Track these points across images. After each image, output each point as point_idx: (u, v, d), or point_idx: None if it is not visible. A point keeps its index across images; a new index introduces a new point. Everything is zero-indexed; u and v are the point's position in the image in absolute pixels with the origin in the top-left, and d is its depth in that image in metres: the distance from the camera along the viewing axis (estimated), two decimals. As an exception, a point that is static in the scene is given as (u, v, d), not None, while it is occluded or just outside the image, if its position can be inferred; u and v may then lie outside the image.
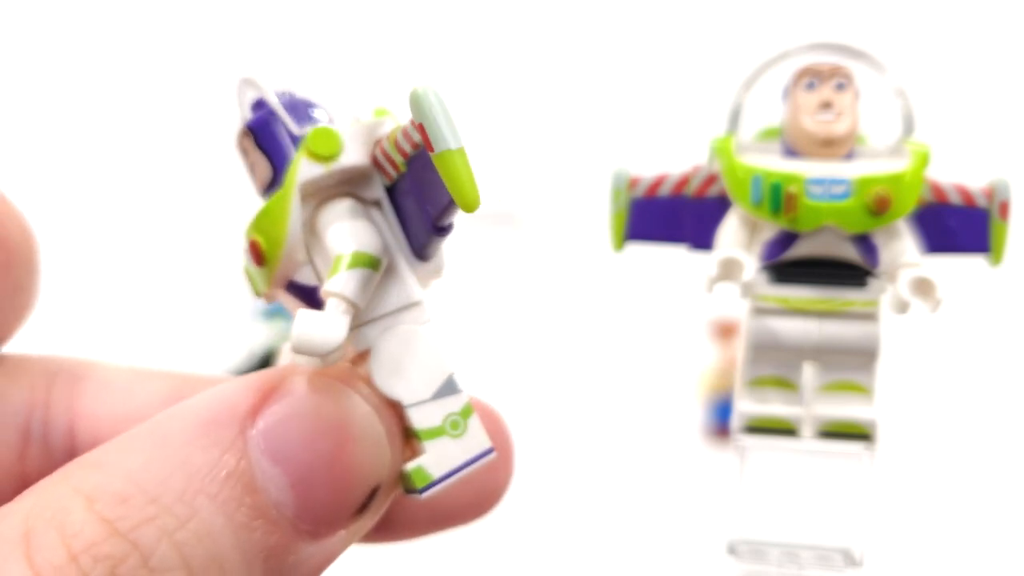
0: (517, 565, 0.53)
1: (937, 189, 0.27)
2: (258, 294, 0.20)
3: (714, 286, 0.26)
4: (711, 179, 0.27)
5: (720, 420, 0.63)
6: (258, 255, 0.19)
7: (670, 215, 0.28)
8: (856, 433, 0.27)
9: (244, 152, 0.21)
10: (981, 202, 0.27)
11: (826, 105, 0.26)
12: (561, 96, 0.88)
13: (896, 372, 0.34)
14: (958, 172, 0.27)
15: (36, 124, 0.90)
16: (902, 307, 0.25)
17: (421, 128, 0.17)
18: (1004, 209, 0.27)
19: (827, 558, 0.28)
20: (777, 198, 0.25)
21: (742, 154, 0.27)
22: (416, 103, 0.17)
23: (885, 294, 0.26)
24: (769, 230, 0.26)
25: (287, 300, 0.20)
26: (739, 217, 0.26)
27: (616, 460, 0.63)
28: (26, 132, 0.89)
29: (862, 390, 0.27)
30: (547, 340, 0.73)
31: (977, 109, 0.80)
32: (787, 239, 0.26)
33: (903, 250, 0.26)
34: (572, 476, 0.61)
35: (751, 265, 0.26)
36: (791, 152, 0.26)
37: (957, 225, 0.27)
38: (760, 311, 0.27)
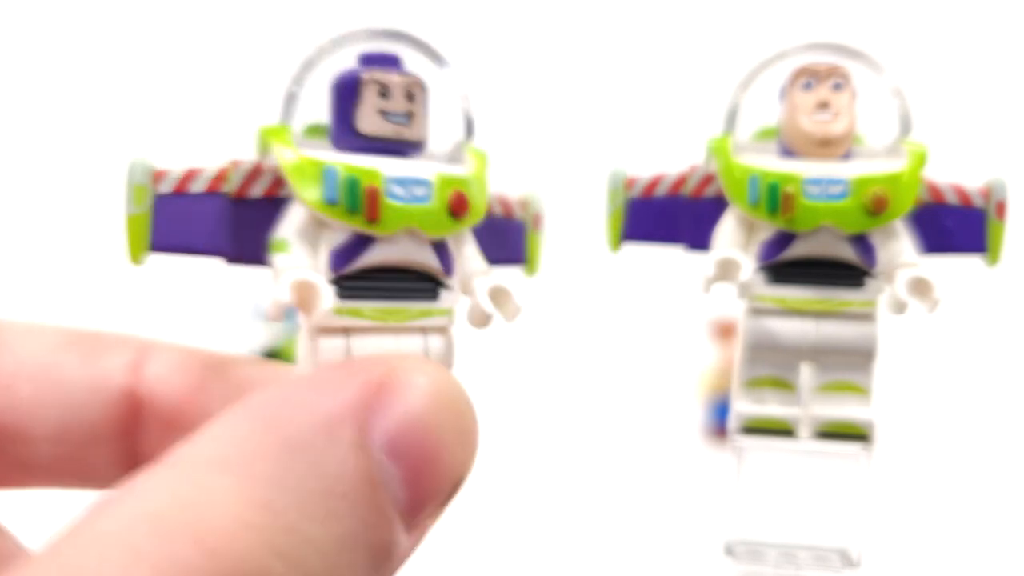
0: (515, 565, 0.53)
1: (934, 189, 0.27)
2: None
3: (711, 286, 0.26)
4: (708, 179, 0.27)
5: (720, 420, 0.63)
6: (464, 208, 0.22)
7: (667, 215, 0.27)
8: (853, 433, 0.27)
9: (415, 100, 0.22)
10: (978, 202, 0.27)
11: (823, 105, 0.26)
12: (557, 96, 0.88)
13: (894, 372, 0.34)
14: (955, 172, 0.27)
15: (36, 123, 0.90)
16: (900, 307, 0.25)
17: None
18: (1001, 209, 0.27)
19: (824, 558, 0.28)
20: (774, 198, 0.25)
21: (739, 154, 0.27)
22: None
23: (882, 294, 0.26)
24: (766, 230, 0.26)
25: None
26: (736, 217, 0.26)
27: (614, 460, 0.63)
28: (27, 131, 0.89)
29: (859, 390, 0.27)
30: (546, 340, 0.73)
31: (974, 109, 0.80)
32: (784, 239, 0.26)
33: (901, 250, 0.26)
34: (571, 476, 0.61)
35: (748, 265, 0.26)
36: (788, 152, 0.26)
37: (954, 225, 0.27)
38: (757, 311, 0.27)
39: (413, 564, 0.20)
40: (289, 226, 0.21)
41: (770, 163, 0.26)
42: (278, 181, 0.22)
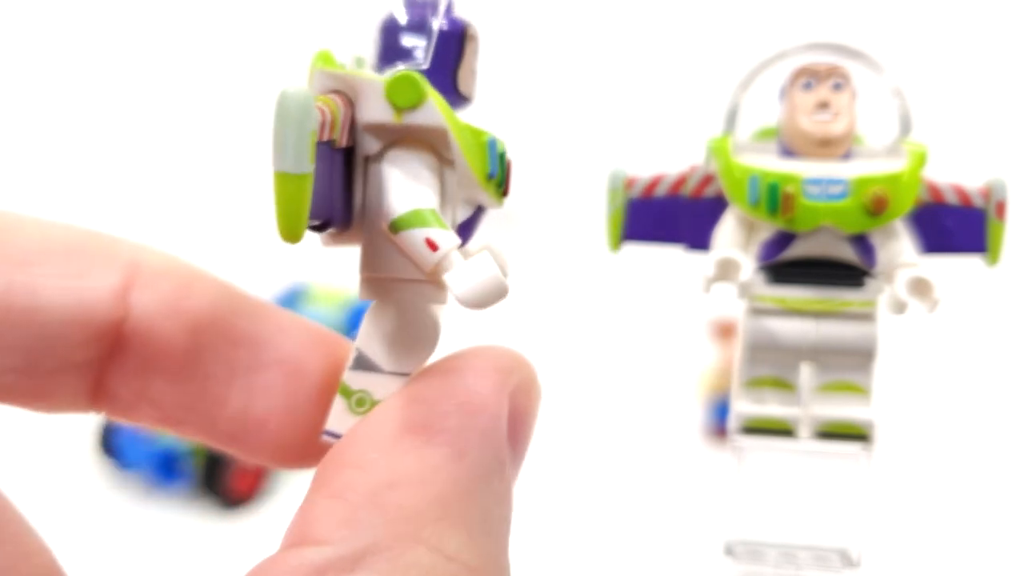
0: (515, 563, 0.53)
1: (934, 189, 0.27)
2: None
3: (711, 286, 0.26)
4: (708, 179, 0.27)
5: (720, 420, 0.63)
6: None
7: (667, 215, 0.27)
8: (853, 434, 0.27)
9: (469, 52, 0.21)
10: (978, 202, 0.27)
11: (823, 105, 0.26)
12: (558, 96, 0.88)
13: (893, 372, 0.34)
14: (955, 172, 0.27)
15: (37, 124, 0.90)
16: (900, 307, 0.25)
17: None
18: (1001, 209, 0.27)
19: (824, 559, 0.28)
20: (774, 198, 0.25)
21: (739, 154, 0.27)
22: (276, 108, 0.16)
23: (882, 294, 0.26)
24: (766, 230, 0.26)
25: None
26: (736, 217, 0.26)
27: (614, 461, 0.63)
28: (30, 132, 0.89)
29: (859, 390, 0.27)
30: (545, 340, 0.73)
31: (974, 109, 0.80)
32: (784, 239, 0.26)
33: (901, 250, 0.26)
34: (570, 476, 0.61)
35: (748, 265, 0.26)
36: (788, 152, 0.26)
37: (954, 225, 0.27)
38: (757, 311, 0.27)
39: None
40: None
41: (770, 163, 0.26)
42: None
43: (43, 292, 0.20)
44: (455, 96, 0.20)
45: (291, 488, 0.62)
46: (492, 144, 0.20)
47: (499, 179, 0.20)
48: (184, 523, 0.58)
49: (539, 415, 0.22)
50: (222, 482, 0.60)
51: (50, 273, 0.20)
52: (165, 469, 0.59)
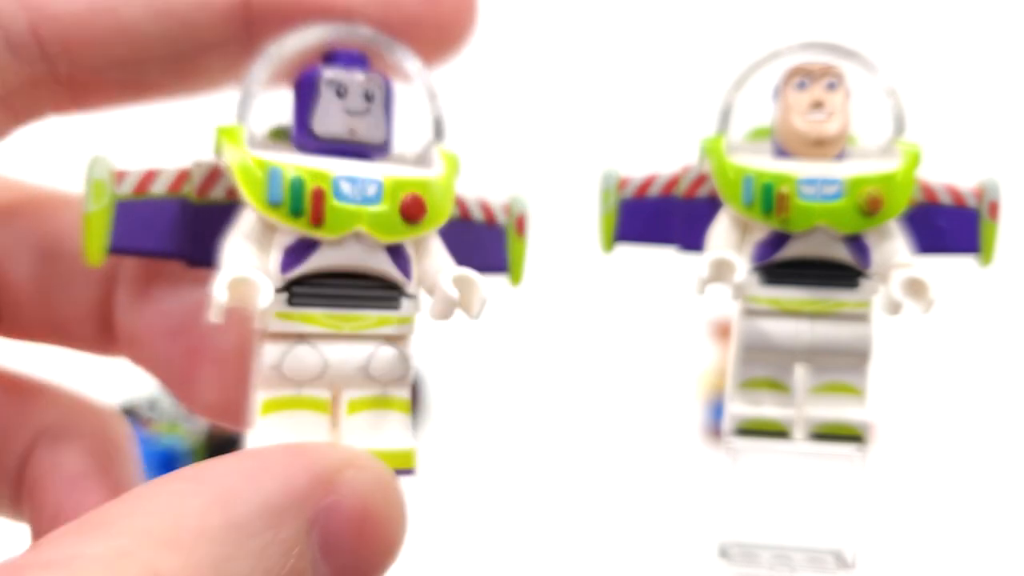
0: (512, 564, 0.53)
1: (927, 189, 0.27)
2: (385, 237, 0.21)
3: (705, 287, 0.26)
4: (701, 179, 0.27)
5: (719, 420, 0.63)
6: (419, 212, 0.21)
7: (660, 216, 0.27)
8: (848, 435, 0.27)
9: (374, 100, 0.22)
10: (971, 202, 0.27)
11: (817, 105, 0.26)
12: (550, 96, 0.88)
13: (888, 373, 0.34)
14: (948, 172, 0.27)
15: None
16: (894, 308, 0.25)
17: None
18: (994, 209, 0.27)
19: (819, 560, 0.27)
20: (769, 199, 0.25)
21: (733, 154, 0.26)
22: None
23: (877, 295, 0.26)
24: (760, 231, 0.26)
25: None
26: (730, 218, 0.26)
27: (609, 462, 0.63)
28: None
29: (854, 391, 0.27)
30: (541, 341, 0.73)
31: (967, 109, 0.80)
32: (778, 240, 0.26)
33: (895, 250, 0.26)
34: (567, 477, 0.61)
35: (743, 266, 0.26)
36: (782, 152, 0.26)
37: (947, 225, 0.27)
38: (751, 312, 0.27)
39: (413, 563, 0.20)
40: (239, 227, 0.21)
41: (764, 163, 0.26)
42: None
43: None
44: (309, 138, 0.22)
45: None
46: (273, 173, 0.20)
47: (290, 207, 0.20)
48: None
49: (401, 534, 0.19)
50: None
51: None
52: (165, 468, 0.59)
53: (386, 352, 0.22)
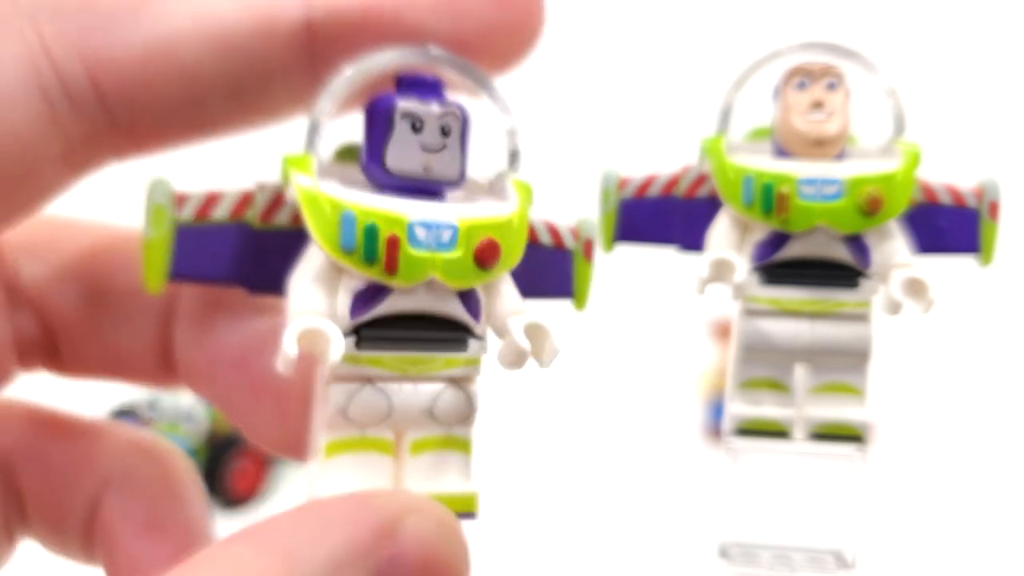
0: (511, 564, 0.53)
1: (927, 189, 0.27)
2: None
3: (705, 287, 0.26)
4: (701, 179, 0.27)
5: (719, 420, 0.63)
6: (494, 257, 0.20)
7: (660, 216, 0.27)
8: (848, 435, 0.27)
9: (451, 134, 0.21)
10: (971, 202, 0.27)
11: (817, 105, 0.26)
12: (550, 96, 0.88)
13: (888, 373, 0.34)
14: (948, 172, 0.27)
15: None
16: (894, 308, 0.25)
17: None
18: (994, 209, 0.27)
19: (819, 560, 0.27)
20: (769, 199, 0.25)
21: (733, 154, 0.26)
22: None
23: (877, 295, 0.26)
24: (760, 231, 0.26)
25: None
26: (730, 218, 0.26)
27: (608, 462, 0.63)
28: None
29: (854, 391, 0.27)
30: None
31: (967, 109, 0.80)
32: (778, 240, 0.26)
33: (895, 250, 0.26)
34: (567, 477, 0.61)
35: (743, 266, 0.26)
36: (782, 152, 0.26)
37: (947, 225, 0.27)
38: (751, 312, 0.27)
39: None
40: (307, 267, 0.20)
41: (764, 163, 0.26)
42: None
43: (227, 15, 0.20)
44: (381, 171, 0.21)
45: (291, 488, 0.62)
46: (347, 217, 0.19)
47: (363, 254, 0.19)
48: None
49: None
50: (222, 482, 0.60)
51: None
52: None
53: (452, 394, 0.21)
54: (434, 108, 0.21)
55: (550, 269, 0.24)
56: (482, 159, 0.22)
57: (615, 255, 0.28)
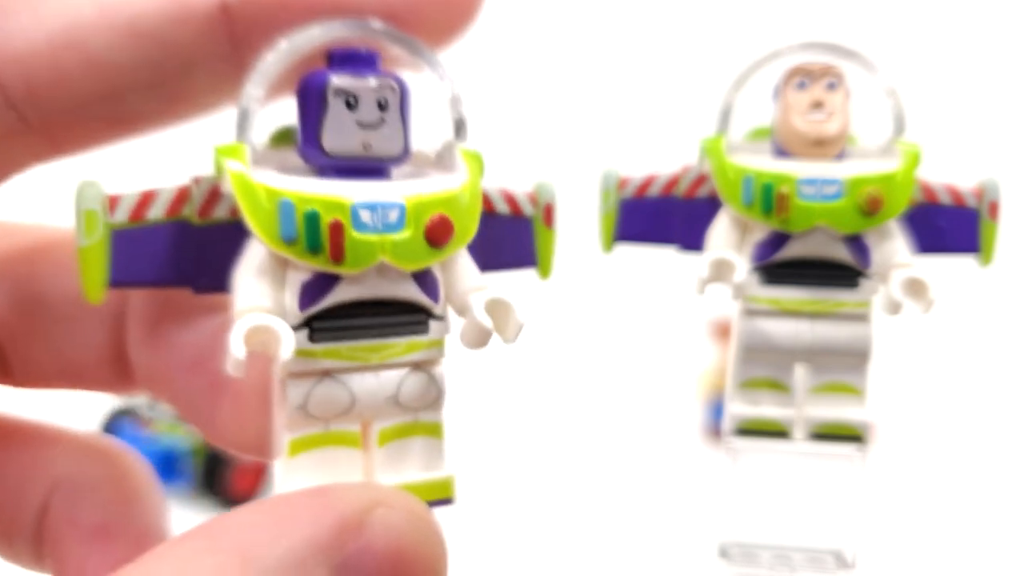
0: (510, 563, 0.53)
1: (927, 189, 0.27)
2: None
3: (705, 287, 0.26)
4: (701, 179, 0.27)
5: (719, 420, 0.63)
6: (446, 234, 0.19)
7: (660, 216, 0.27)
8: (848, 435, 0.27)
9: (389, 107, 0.19)
10: (971, 202, 0.27)
11: (817, 105, 0.26)
12: (550, 96, 0.88)
13: (888, 373, 0.34)
14: (948, 172, 0.27)
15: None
16: (894, 308, 0.25)
17: None
18: (993, 209, 0.27)
19: (819, 560, 0.27)
20: (769, 199, 0.25)
21: (733, 154, 0.26)
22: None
23: (877, 295, 0.26)
24: (760, 231, 0.26)
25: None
26: (730, 218, 0.26)
27: (608, 462, 0.63)
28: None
29: (854, 391, 0.27)
30: (541, 342, 0.73)
31: (967, 109, 0.80)
32: (778, 240, 0.26)
33: (895, 250, 0.26)
34: (566, 476, 0.61)
35: (743, 266, 0.26)
36: (782, 152, 0.26)
37: (947, 225, 0.27)
38: (751, 312, 0.27)
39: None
40: (250, 262, 0.19)
41: (764, 163, 0.26)
42: None
43: (137, 2, 0.19)
44: (318, 153, 0.20)
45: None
46: (285, 205, 0.18)
47: (306, 243, 0.18)
48: (184, 522, 0.58)
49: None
50: (222, 482, 0.60)
51: None
52: (165, 469, 0.59)
53: (416, 379, 0.20)
54: (369, 82, 0.19)
55: (509, 239, 0.23)
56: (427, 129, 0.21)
57: (615, 255, 0.28)
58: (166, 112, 0.21)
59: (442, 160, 0.21)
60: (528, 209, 0.23)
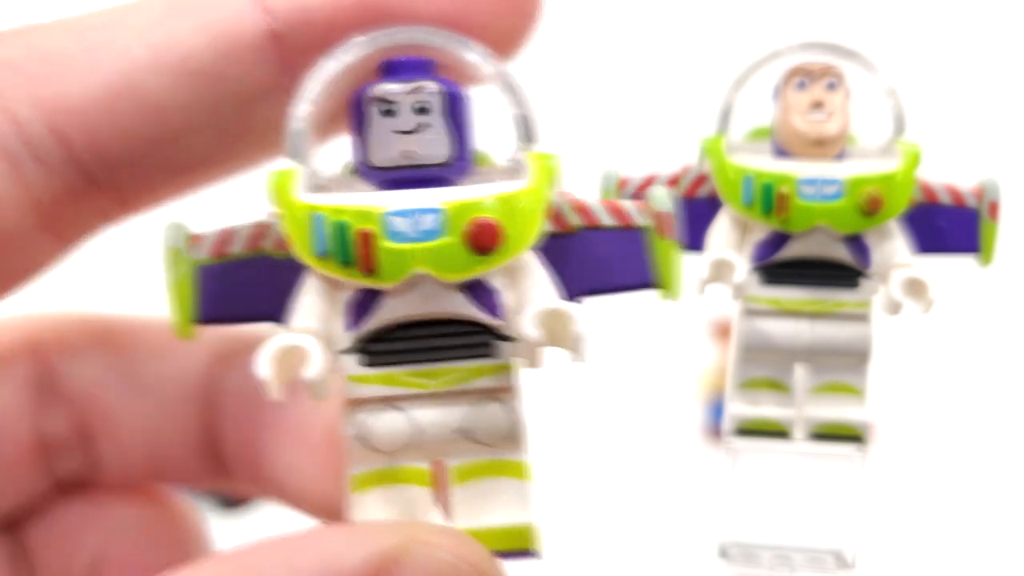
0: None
1: (927, 189, 0.27)
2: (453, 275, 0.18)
3: (705, 287, 0.26)
4: (701, 179, 0.27)
5: (719, 420, 0.63)
6: (492, 239, 0.18)
7: None
8: (848, 435, 0.27)
9: (431, 112, 0.18)
10: (971, 202, 0.27)
11: (817, 105, 0.26)
12: (550, 96, 0.88)
13: (888, 373, 0.34)
14: (948, 172, 0.27)
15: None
16: (894, 308, 0.25)
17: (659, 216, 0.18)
18: (994, 209, 0.27)
19: (819, 560, 0.27)
20: (769, 199, 0.25)
21: (733, 154, 0.26)
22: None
23: (877, 295, 0.26)
24: (760, 231, 0.26)
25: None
26: (730, 218, 0.26)
27: (608, 462, 0.63)
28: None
29: (854, 391, 0.27)
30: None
31: (967, 109, 0.80)
32: (778, 240, 0.26)
33: (895, 250, 0.26)
34: (566, 476, 0.61)
35: (743, 266, 0.26)
36: (782, 152, 0.26)
37: (947, 225, 0.27)
38: (751, 312, 0.27)
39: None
40: (304, 286, 0.18)
41: (764, 163, 0.26)
42: None
43: (185, 39, 0.19)
44: (368, 168, 0.19)
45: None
46: (316, 219, 0.17)
47: (341, 257, 0.17)
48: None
49: None
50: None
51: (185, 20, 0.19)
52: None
53: (485, 409, 0.19)
54: (405, 87, 0.18)
55: (617, 256, 0.20)
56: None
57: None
58: (227, 155, 0.20)
59: (512, 170, 0.20)
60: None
